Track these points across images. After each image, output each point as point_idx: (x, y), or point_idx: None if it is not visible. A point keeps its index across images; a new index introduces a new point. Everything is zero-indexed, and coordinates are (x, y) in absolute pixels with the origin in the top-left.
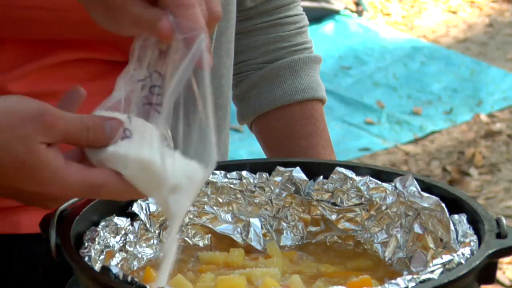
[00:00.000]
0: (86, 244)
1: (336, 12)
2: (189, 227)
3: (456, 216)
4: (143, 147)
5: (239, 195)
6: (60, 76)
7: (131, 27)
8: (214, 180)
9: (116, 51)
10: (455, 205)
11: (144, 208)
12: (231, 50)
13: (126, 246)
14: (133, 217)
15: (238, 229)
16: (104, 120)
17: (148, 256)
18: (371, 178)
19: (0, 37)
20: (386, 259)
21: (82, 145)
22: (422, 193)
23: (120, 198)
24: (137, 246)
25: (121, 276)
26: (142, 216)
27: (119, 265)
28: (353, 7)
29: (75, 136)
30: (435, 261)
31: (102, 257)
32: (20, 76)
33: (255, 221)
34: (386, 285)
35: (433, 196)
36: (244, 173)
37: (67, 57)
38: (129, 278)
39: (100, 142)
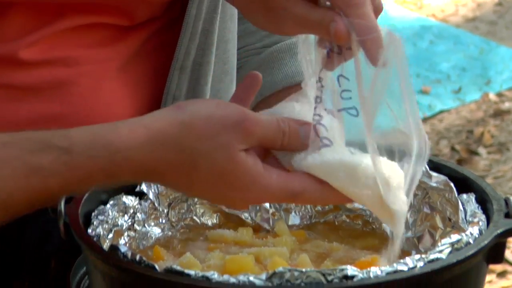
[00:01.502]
0: (94, 223)
1: None
2: (197, 206)
3: (464, 196)
4: (341, 152)
5: None
6: (71, 42)
7: (296, 28)
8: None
9: (126, 16)
10: (464, 184)
11: (152, 187)
12: (234, 15)
13: (135, 225)
14: (142, 196)
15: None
16: (299, 125)
17: (157, 235)
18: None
19: (10, 1)
20: None
21: (276, 148)
22: (431, 172)
23: (322, 204)
24: (146, 225)
25: (129, 255)
26: (151, 195)
27: (128, 244)
28: None
29: (271, 141)
30: (443, 241)
31: (110, 236)
32: (32, 43)
33: None
34: (395, 264)
35: (442, 176)
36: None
37: (77, 22)
38: (137, 257)
39: (294, 147)
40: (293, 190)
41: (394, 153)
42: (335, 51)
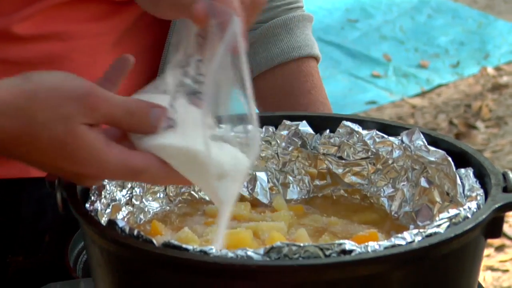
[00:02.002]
0: (92, 198)
1: None
2: None
3: (462, 170)
4: (188, 137)
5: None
6: (66, 16)
7: (170, 10)
8: (220, 134)
9: None
10: (462, 159)
11: None
12: None
13: (133, 200)
14: None
15: (245, 183)
16: (149, 107)
17: (155, 210)
18: (378, 132)
19: None
20: (393, 213)
21: (124, 129)
22: (429, 147)
23: (161, 183)
24: (144, 200)
25: (127, 230)
26: None
27: (126, 219)
28: None
29: (118, 120)
30: (441, 215)
31: (108, 211)
32: (25, 17)
33: (262, 175)
34: (393, 239)
35: (440, 150)
36: (250, 127)
37: None
38: (135, 232)
39: (142, 129)
40: (134, 168)
41: (238, 141)
42: (202, 35)
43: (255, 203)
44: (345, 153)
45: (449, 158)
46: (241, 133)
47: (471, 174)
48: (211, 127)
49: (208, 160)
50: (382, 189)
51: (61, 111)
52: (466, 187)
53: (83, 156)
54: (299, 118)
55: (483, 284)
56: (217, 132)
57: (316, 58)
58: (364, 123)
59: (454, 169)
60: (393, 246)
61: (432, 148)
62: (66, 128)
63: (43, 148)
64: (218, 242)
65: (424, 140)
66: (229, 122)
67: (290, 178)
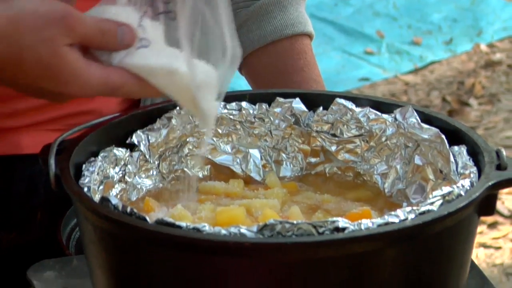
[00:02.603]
0: (85, 175)
1: None
2: (188, 158)
3: (456, 148)
4: (161, 54)
5: (238, 126)
6: None
7: None
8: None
9: None
10: (455, 136)
11: (143, 139)
12: None
13: (126, 177)
14: (133, 148)
15: (238, 160)
16: (118, 26)
17: (147, 187)
18: (371, 109)
19: None
20: (386, 190)
21: (94, 47)
22: (422, 124)
23: (139, 97)
24: (136, 177)
25: (120, 207)
26: (142, 147)
27: (118, 196)
28: None
29: (91, 39)
30: (434, 193)
31: (101, 188)
32: None
33: (255, 152)
34: (386, 216)
35: (433, 128)
36: (243, 103)
37: None
38: (128, 209)
39: (111, 46)
40: (112, 83)
41: (209, 56)
42: None
43: (248, 181)
44: (338, 131)
45: (443, 136)
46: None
47: (465, 152)
48: (183, 43)
49: (186, 75)
50: (375, 167)
51: (44, 33)
52: (460, 165)
53: (66, 76)
54: (293, 95)
55: (476, 261)
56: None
57: (309, 36)
58: (357, 100)
59: (448, 147)
60: (386, 223)
61: (425, 126)
62: (50, 50)
63: (28, 70)
64: (199, 158)
65: (417, 117)
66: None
67: (283, 155)
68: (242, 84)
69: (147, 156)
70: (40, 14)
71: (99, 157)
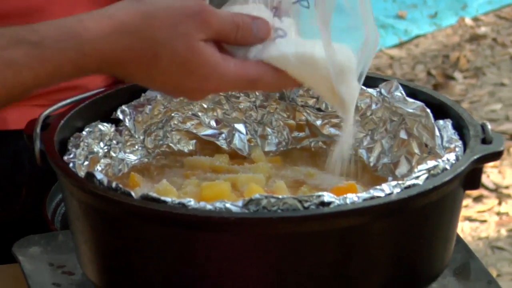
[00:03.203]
0: (70, 150)
1: None
2: (173, 133)
3: (441, 122)
4: (298, 43)
5: (223, 101)
6: None
7: None
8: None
9: None
10: (440, 110)
11: (128, 114)
12: None
13: (111, 152)
14: (118, 123)
15: (223, 135)
16: (252, 20)
17: (133, 162)
18: None
19: None
20: (371, 164)
21: (230, 42)
22: (407, 98)
23: (278, 89)
24: (122, 152)
25: (105, 182)
26: (127, 122)
27: (104, 171)
28: None
29: (226, 34)
30: (420, 167)
31: (86, 163)
32: None
33: (240, 127)
34: (371, 190)
35: (418, 102)
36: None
37: None
38: (113, 184)
39: (247, 40)
40: (250, 77)
41: (348, 40)
42: None
43: (233, 155)
44: (324, 105)
45: (428, 110)
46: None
47: (450, 126)
48: (323, 30)
49: (323, 61)
50: (360, 141)
51: (179, 29)
52: (445, 139)
53: (204, 71)
54: None
55: (461, 235)
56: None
57: None
58: None
59: (433, 121)
60: (372, 198)
61: (410, 100)
62: (186, 45)
63: (164, 66)
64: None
65: (402, 91)
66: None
67: (269, 130)
68: None
69: (132, 131)
70: (175, 9)
71: (84, 132)
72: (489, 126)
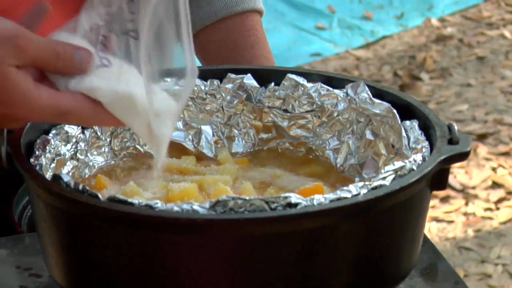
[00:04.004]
0: (37, 152)
1: None
2: None
3: (407, 122)
4: (120, 77)
5: (190, 103)
6: None
7: None
8: (165, 87)
9: None
10: (407, 111)
11: None
12: None
13: (77, 154)
14: None
15: (190, 137)
16: (74, 49)
17: (99, 164)
18: (323, 85)
19: None
20: (338, 165)
21: (49, 71)
22: (374, 99)
23: (90, 125)
24: (88, 154)
25: (72, 184)
26: None
27: (70, 174)
28: None
29: (44, 62)
30: (387, 168)
31: (53, 165)
32: None
33: (207, 129)
34: (338, 191)
35: (385, 103)
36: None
37: None
38: (80, 187)
39: (67, 71)
40: (62, 109)
41: (170, 75)
42: None
43: (200, 157)
44: (290, 106)
45: (394, 110)
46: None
47: (416, 126)
48: (146, 66)
49: (143, 102)
50: (327, 142)
51: None
52: (411, 139)
53: (13, 98)
54: (244, 71)
55: (428, 235)
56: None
57: (259, 12)
58: (309, 75)
59: (399, 121)
60: (339, 199)
61: (377, 101)
62: None
63: None
64: (153, 184)
65: (369, 92)
66: (173, 75)
67: (235, 131)
68: None
69: (99, 133)
70: None
71: (51, 134)
72: (456, 126)
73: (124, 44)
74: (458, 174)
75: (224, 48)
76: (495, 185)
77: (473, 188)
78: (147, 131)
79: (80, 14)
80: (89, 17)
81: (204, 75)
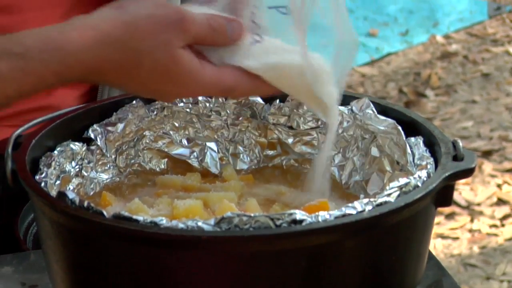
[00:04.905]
0: (42, 169)
1: None
2: (145, 151)
3: (412, 139)
4: (274, 49)
5: (195, 119)
6: None
7: None
8: (170, 104)
9: None
10: (412, 127)
11: (100, 133)
12: None
13: (82, 171)
14: (89, 142)
15: (195, 154)
16: (227, 21)
17: (104, 181)
18: None
19: None
20: (343, 182)
21: (207, 44)
22: (379, 116)
23: (254, 95)
24: (93, 171)
25: (77, 201)
26: (98, 141)
27: (76, 191)
28: None
29: (203, 38)
30: (391, 184)
31: (58, 182)
32: None
33: (212, 145)
34: (343, 208)
35: (390, 119)
36: (199, 97)
37: None
38: (85, 203)
39: (222, 43)
40: (226, 84)
41: (326, 46)
42: None
43: (205, 174)
44: (295, 123)
45: (399, 127)
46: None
47: (421, 143)
48: (300, 36)
49: (300, 68)
50: (332, 159)
51: (161, 38)
52: (416, 156)
53: (183, 78)
54: None
55: (434, 252)
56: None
57: None
58: None
59: (404, 138)
60: (344, 215)
61: (381, 117)
62: (167, 54)
63: (144, 75)
64: (326, 151)
65: (373, 109)
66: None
67: (240, 148)
68: None
69: (104, 150)
70: (156, 18)
71: (56, 151)
72: (461, 143)
73: (273, 18)
74: (463, 190)
75: None
76: (500, 201)
77: (478, 204)
78: (312, 97)
79: None
80: None
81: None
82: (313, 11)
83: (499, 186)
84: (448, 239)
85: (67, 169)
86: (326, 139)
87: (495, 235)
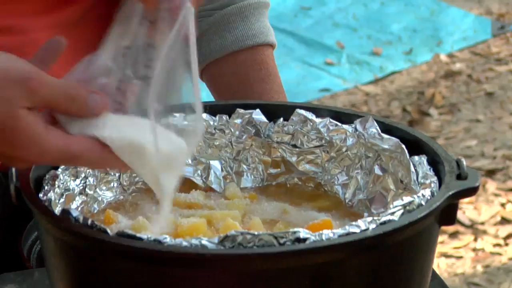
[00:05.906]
0: (46, 187)
1: None
2: None
3: (416, 158)
4: (131, 124)
5: None
6: (16, 10)
7: None
8: (174, 123)
9: None
10: (415, 146)
11: None
12: None
13: (86, 189)
14: None
15: (199, 172)
16: (89, 93)
17: (108, 199)
18: (331, 120)
19: None
20: (347, 200)
21: (61, 113)
22: (382, 134)
23: (98, 167)
24: (97, 189)
25: (81, 219)
26: None
27: (79, 209)
28: None
29: (56, 104)
30: (395, 203)
31: (62, 200)
32: None
33: (215, 164)
34: (347, 227)
35: (393, 138)
36: (203, 115)
37: None
38: (89, 222)
39: (80, 114)
40: (72, 153)
41: (178, 126)
42: (150, 19)
43: (209, 192)
44: (299, 141)
45: (403, 146)
46: (190, 122)
47: (425, 162)
48: (158, 113)
49: (152, 152)
50: (336, 177)
51: (3, 93)
52: (420, 175)
53: (22, 140)
54: (253, 107)
55: (437, 271)
56: (163, 120)
57: (272, 46)
58: (317, 111)
59: (408, 157)
60: (348, 234)
61: (385, 136)
62: (7, 111)
63: None
64: (158, 229)
65: (377, 127)
66: (181, 111)
67: (244, 166)
68: (201, 96)
69: (108, 168)
70: (2, 72)
71: (60, 169)
72: (464, 162)
73: (137, 89)
74: (467, 209)
75: (235, 82)
76: (504, 220)
77: (482, 223)
78: (155, 180)
79: (97, 53)
80: (105, 58)
81: (213, 110)
82: (175, 90)
83: (503, 205)
84: (451, 258)
85: (71, 187)
86: (158, 215)
87: (499, 254)
